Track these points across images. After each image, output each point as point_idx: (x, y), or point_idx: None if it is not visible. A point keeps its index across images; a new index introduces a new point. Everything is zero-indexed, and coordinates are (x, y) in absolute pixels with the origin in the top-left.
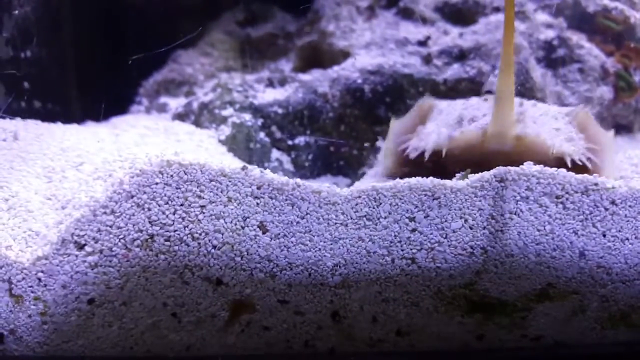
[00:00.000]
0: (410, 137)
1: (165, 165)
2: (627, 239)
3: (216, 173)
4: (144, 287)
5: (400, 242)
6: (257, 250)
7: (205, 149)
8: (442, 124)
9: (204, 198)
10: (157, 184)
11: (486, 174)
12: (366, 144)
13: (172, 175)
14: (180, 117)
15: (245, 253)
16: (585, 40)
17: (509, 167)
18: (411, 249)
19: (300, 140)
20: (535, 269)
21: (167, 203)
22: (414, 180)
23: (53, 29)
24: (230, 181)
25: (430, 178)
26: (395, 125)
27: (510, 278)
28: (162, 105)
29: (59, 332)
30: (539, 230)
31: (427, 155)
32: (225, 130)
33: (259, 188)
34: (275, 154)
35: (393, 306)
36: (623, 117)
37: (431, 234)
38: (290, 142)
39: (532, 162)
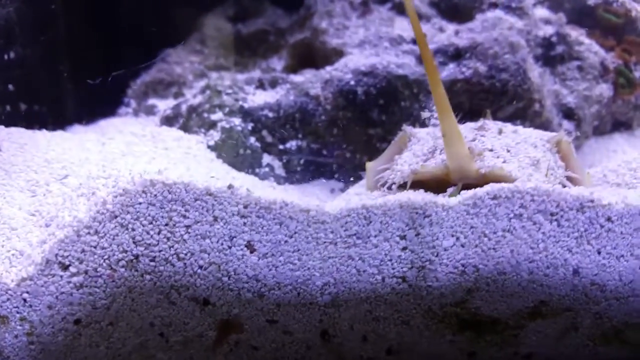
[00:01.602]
0: (387, 167)
1: (149, 185)
2: (623, 256)
3: (201, 192)
4: (131, 307)
5: (390, 260)
6: (244, 270)
7: (193, 156)
8: (416, 153)
9: (189, 217)
10: (140, 203)
11: (479, 192)
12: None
13: (155, 195)
14: (169, 120)
15: (233, 273)
16: (585, 36)
17: (503, 184)
18: (402, 268)
19: (292, 144)
20: (528, 286)
21: (151, 223)
22: (404, 198)
23: (38, 29)
24: (216, 200)
25: (422, 195)
26: (371, 165)
27: (502, 296)
28: (151, 107)
29: (46, 353)
30: (532, 248)
31: (394, 188)
32: (215, 136)
33: (245, 207)
34: (266, 158)
35: (383, 325)
36: (622, 114)
37: (422, 252)
38: (281, 147)
39: (525, 179)
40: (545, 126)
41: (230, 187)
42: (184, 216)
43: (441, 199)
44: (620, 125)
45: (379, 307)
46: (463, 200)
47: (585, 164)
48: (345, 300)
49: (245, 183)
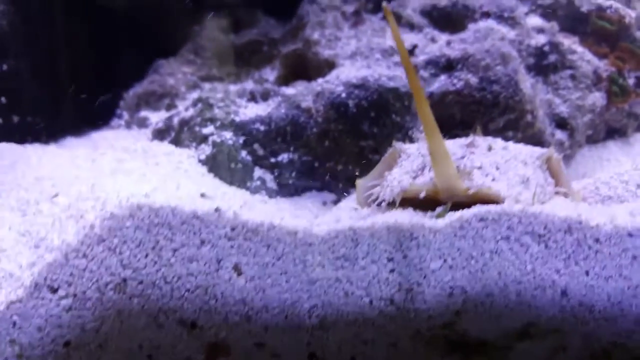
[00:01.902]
0: (377, 183)
1: (136, 209)
2: (611, 276)
3: (188, 216)
4: (119, 329)
5: (378, 282)
6: (231, 293)
7: (184, 171)
8: (406, 170)
9: (175, 241)
10: (127, 227)
11: (466, 214)
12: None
13: (142, 219)
14: (161, 133)
15: (220, 296)
16: (578, 44)
17: (490, 206)
18: (390, 290)
19: (284, 157)
20: (516, 308)
21: (138, 246)
22: (392, 220)
23: (31, 42)
24: (203, 223)
25: (409, 218)
26: (360, 182)
27: (490, 317)
28: (143, 120)
29: None
30: (519, 270)
31: (384, 205)
32: (206, 150)
33: (233, 229)
34: (257, 172)
35: (371, 347)
36: (616, 122)
37: (410, 274)
38: (273, 160)
39: (513, 201)
40: (537, 136)
41: (217, 210)
42: (171, 240)
43: (428, 221)
44: (614, 132)
45: (367, 330)
46: (450, 223)
47: (578, 173)
48: (333, 322)
49: (236, 198)
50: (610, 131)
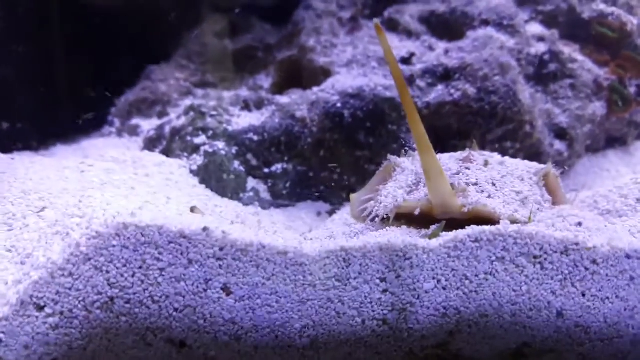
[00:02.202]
0: (371, 197)
1: (122, 228)
2: (608, 298)
3: (175, 235)
4: (107, 348)
5: (371, 303)
6: (220, 313)
7: (175, 183)
8: (400, 184)
9: (162, 260)
10: (114, 246)
11: (460, 234)
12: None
13: (129, 238)
14: (152, 141)
15: (209, 316)
16: (579, 52)
17: (484, 227)
18: (382, 310)
19: (278, 167)
20: (511, 328)
21: (125, 266)
22: (384, 241)
23: (20, 47)
24: (190, 243)
25: (402, 238)
26: (355, 197)
27: (484, 338)
28: (134, 128)
29: None
30: (514, 291)
31: (377, 221)
32: (198, 160)
33: (221, 249)
34: (250, 183)
35: None
36: (616, 130)
37: (403, 294)
38: (266, 170)
39: (508, 222)
40: (536, 147)
41: (205, 229)
42: (158, 259)
43: (422, 241)
44: (614, 141)
45: (359, 350)
46: (444, 243)
47: (577, 183)
48: (325, 342)
49: (228, 211)
50: (610, 140)
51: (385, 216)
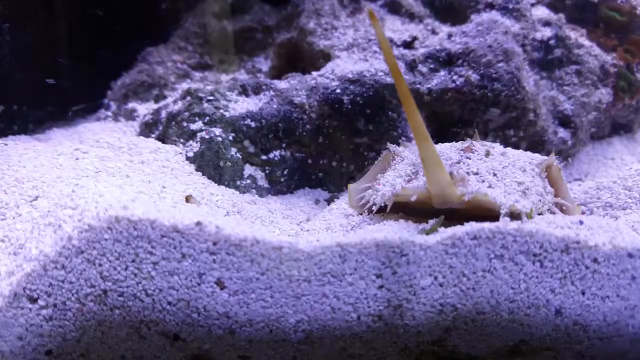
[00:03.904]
0: (369, 185)
1: (114, 221)
2: (608, 297)
3: (168, 229)
4: (101, 340)
5: (366, 298)
6: (214, 307)
7: (171, 170)
8: (399, 173)
9: (155, 254)
10: (106, 240)
11: (458, 231)
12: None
13: (121, 232)
14: (148, 126)
15: (202, 309)
16: (586, 37)
17: (483, 225)
18: (378, 306)
19: (275, 154)
20: (508, 326)
21: (117, 259)
22: (381, 237)
23: (15, 30)
24: (183, 237)
25: (399, 234)
26: (352, 187)
27: (481, 335)
28: (130, 112)
29: None
30: (513, 289)
31: (374, 209)
32: (194, 147)
33: (215, 244)
34: (248, 170)
35: None
36: (622, 117)
37: (399, 290)
38: (264, 157)
39: (507, 219)
40: (539, 135)
41: (198, 223)
42: (151, 253)
43: (419, 238)
44: (619, 127)
45: (354, 345)
46: (442, 240)
47: (581, 172)
48: (320, 337)
49: (224, 199)
50: (615, 126)
51: (382, 205)
